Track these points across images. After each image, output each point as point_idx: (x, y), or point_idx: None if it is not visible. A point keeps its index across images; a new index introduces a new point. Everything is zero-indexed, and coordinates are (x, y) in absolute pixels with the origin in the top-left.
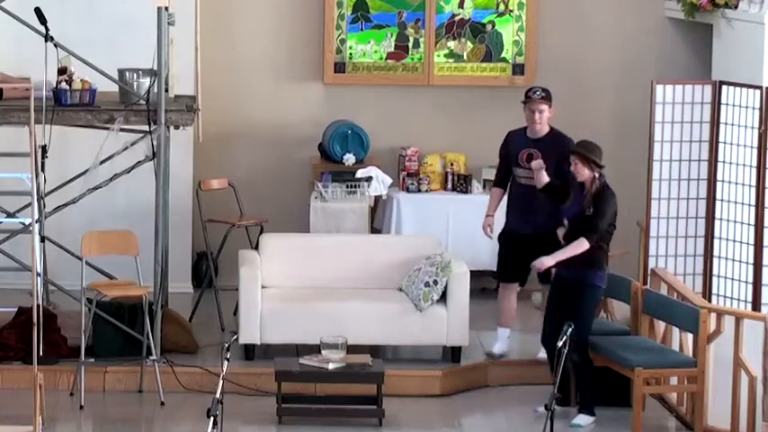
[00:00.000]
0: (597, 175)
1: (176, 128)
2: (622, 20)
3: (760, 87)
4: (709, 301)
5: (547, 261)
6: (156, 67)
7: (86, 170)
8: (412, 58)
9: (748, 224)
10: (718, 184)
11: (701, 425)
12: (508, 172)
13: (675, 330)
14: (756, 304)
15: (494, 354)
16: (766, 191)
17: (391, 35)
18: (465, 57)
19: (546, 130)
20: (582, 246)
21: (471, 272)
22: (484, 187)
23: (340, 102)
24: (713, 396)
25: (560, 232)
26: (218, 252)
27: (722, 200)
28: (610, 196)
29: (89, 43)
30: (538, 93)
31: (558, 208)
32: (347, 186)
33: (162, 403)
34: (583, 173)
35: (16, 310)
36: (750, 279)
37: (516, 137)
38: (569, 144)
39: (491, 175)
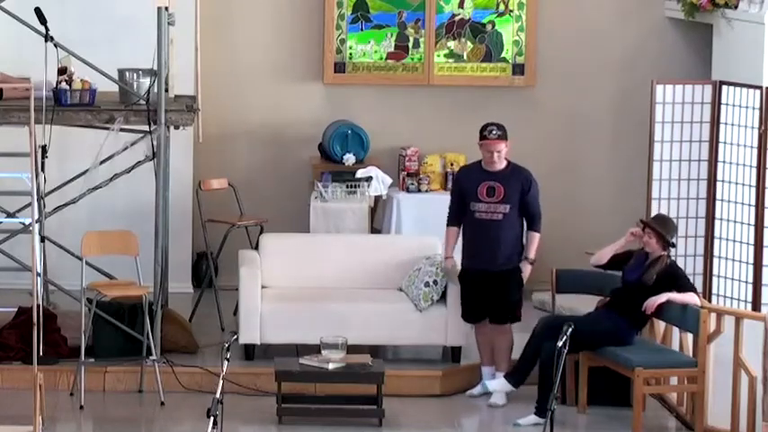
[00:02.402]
0: (666, 254)
1: (176, 128)
2: (622, 20)
3: (760, 87)
4: (710, 301)
5: (659, 299)
6: (156, 67)
7: (86, 170)
8: (412, 58)
9: (748, 224)
10: (718, 184)
11: (701, 425)
12: (463, 210)
13: (675, 330)
14: (756, 304)
15: (474, 394)
16: (766, 191)
17: (391, 35)
18: (465, 57)
19: (504, 163)
20: (695, 300)
21: None
22: None
23: (340, 102)
24: (713, 396)
25: (600, 302)
26: (218, 252)
27: (722, 200)
28: (677, 267)
29: (89, 43)
30: (494, 132)
31: (521, 243)
32: (347, 186)
33: (162, 403)
34: (653, 246)
35: (16, 310)
36: (750, 279)
37: (471, 172)
38: (529, 176)
39: None
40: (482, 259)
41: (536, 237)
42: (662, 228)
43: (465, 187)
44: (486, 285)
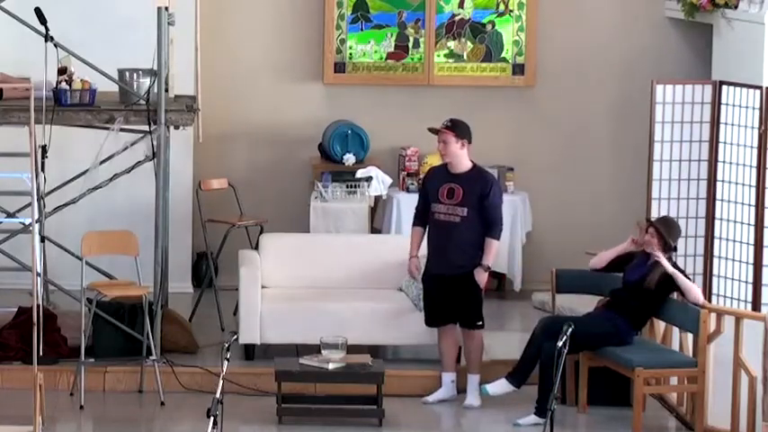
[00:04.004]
0: (668, 256)
1: (176, 128)
2: (622, 20)
3: (760, 87)
4: (710, 301)
5: (665, 262)
6: (156, 67)
7: (86, 170)
8: (412, 58)
9: (748, 224)
10: (719, 184)
11: (701, 425)
12: (427, 210)
13: (675, 330)
14: (756, 304)
15: (428, 401)
16: (766, 191)
17: (391, 35)
18: (465, 57)
19: (467, 165)
20: (697, 293)
21: None
22: None
23: (340, 102)
24: (713, 396)
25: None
26: (218, 252)
27: (722, 200)
28: (679, 269)
29: (89, 43)
30: (444, 122)
31: (477, 248)
32: (347, 186)
33: (162, 403)
34: (654, 246)
35: (16, 310)
36: (750, 279)
37: (437, 172)
38: (491, 181)
39: None
40: (439, 262)
41: (492, 243)
42: (666, 230)
43: (429, 188)
44: (446, 289)
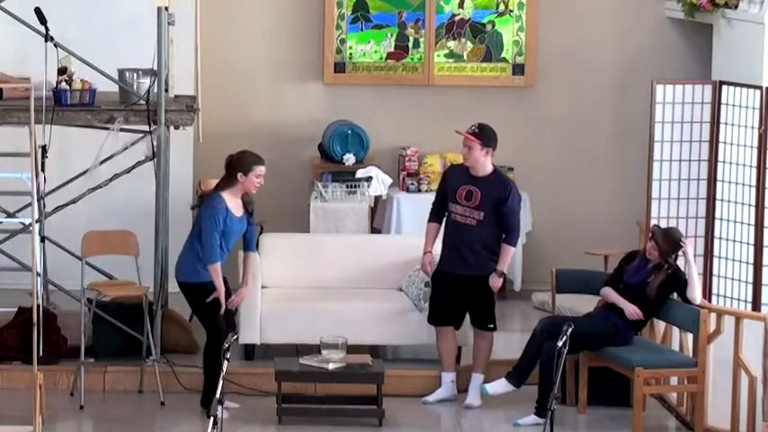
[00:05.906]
0: (666, 266)
1: (176, 128)
2: (622, 20)
3: (760, 87)
4: (710, 301)
5: (690, 253)
6: (156, 67)
7: (86, 170)
8: (412, 58)
9: (748, 224)
10: (718, 184)
11: (701, 425)
12: (444, 207)
13: (675, 330)
14: (756, 304)
15: (428, 401)
16: (766, 191)
17: (391, 35)
18: (465, 57)
19: (488, 169)
20: (698, 293)
21: None
22: None
23: (340, 102)
24: (713, 396)
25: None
26: None
27: (722, 200)
28: (680, 273)
29: (89, 43)
30: (471, 128)
31: (490, 252)
32: (347, 186)
33: (162, 403)
34: (655, 256)
35: (16, 310)
36: (750, 279)
37: (457, 172)
38: (510, 188)
39: None
40: (451, 261)
41: (509, 250)
42: (666, 242)
43: (448, 186)
44: (454, 289)
